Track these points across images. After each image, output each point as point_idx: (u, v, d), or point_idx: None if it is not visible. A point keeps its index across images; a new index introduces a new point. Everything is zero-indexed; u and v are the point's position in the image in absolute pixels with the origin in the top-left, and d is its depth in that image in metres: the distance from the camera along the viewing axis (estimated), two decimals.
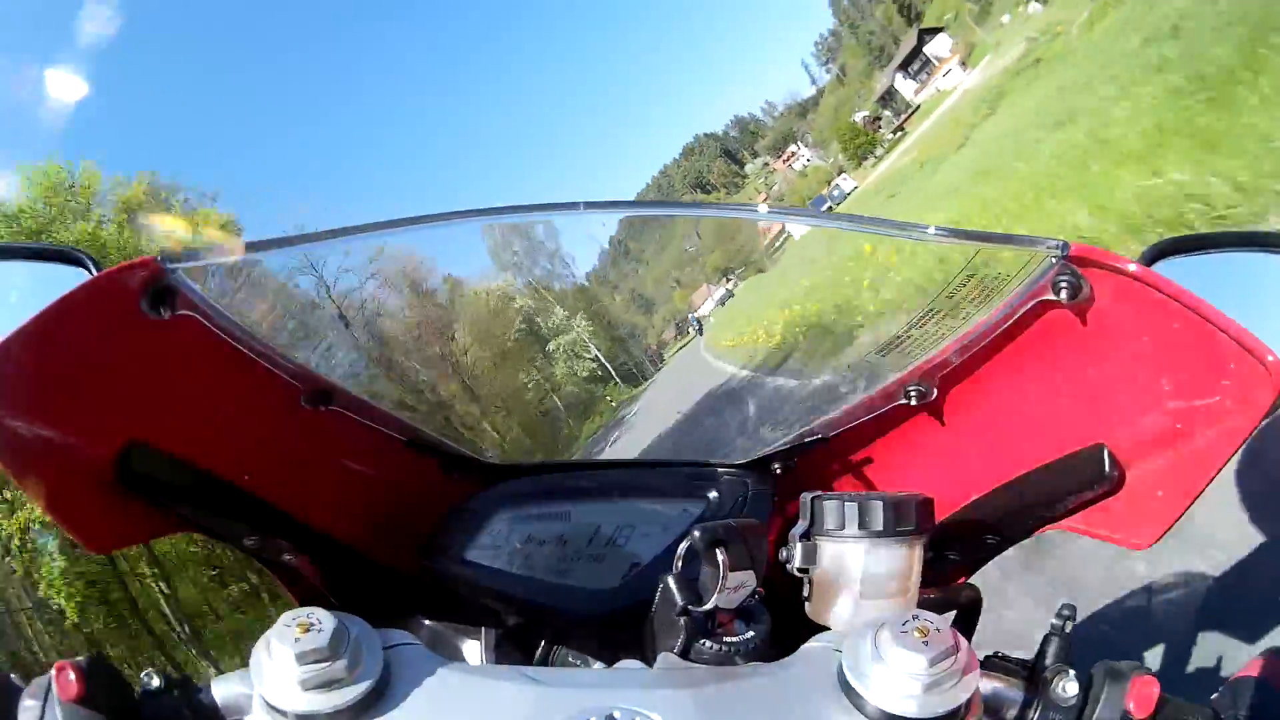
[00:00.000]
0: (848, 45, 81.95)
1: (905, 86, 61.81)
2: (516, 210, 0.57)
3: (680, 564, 0.62)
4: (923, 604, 0.61)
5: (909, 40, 63.63)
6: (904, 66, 61.99)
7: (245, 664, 0.49)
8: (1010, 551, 0.76)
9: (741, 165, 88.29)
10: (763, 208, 0.61)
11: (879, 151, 53.48)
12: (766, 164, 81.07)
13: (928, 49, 60.08)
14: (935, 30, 61.03)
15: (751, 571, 0.60)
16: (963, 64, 52.15)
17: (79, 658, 0.49)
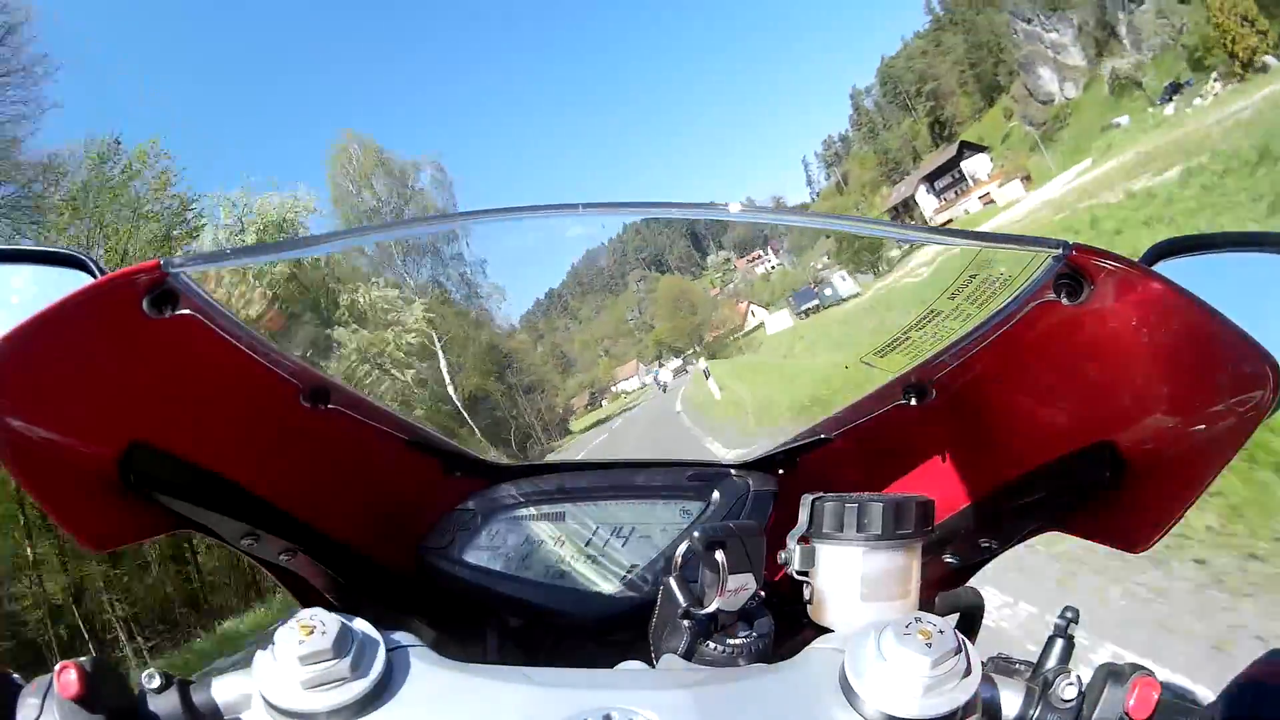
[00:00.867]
0: (857, 154, 77.75)
1: (927, 201, 57.87)
2: (514, 211, 0.57)
3: (680, 565, 0.62)
4: (924, 606, 0.61)
5: (944, 152, 59.09)
6: (930, 179, 57.97)
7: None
8: None
9: (704, 254, 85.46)
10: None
11: (883, 267, 48.13)
12: (728, 259, 78.77)
13: (965, 164, 55.82)
14: (979, 148, 56.48)
15: (750, 574, 0.60)
16: (1026, 179, 48.39)
17: (81, 658, 0.49)
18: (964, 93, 67.52)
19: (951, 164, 57.01)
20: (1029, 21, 56.45)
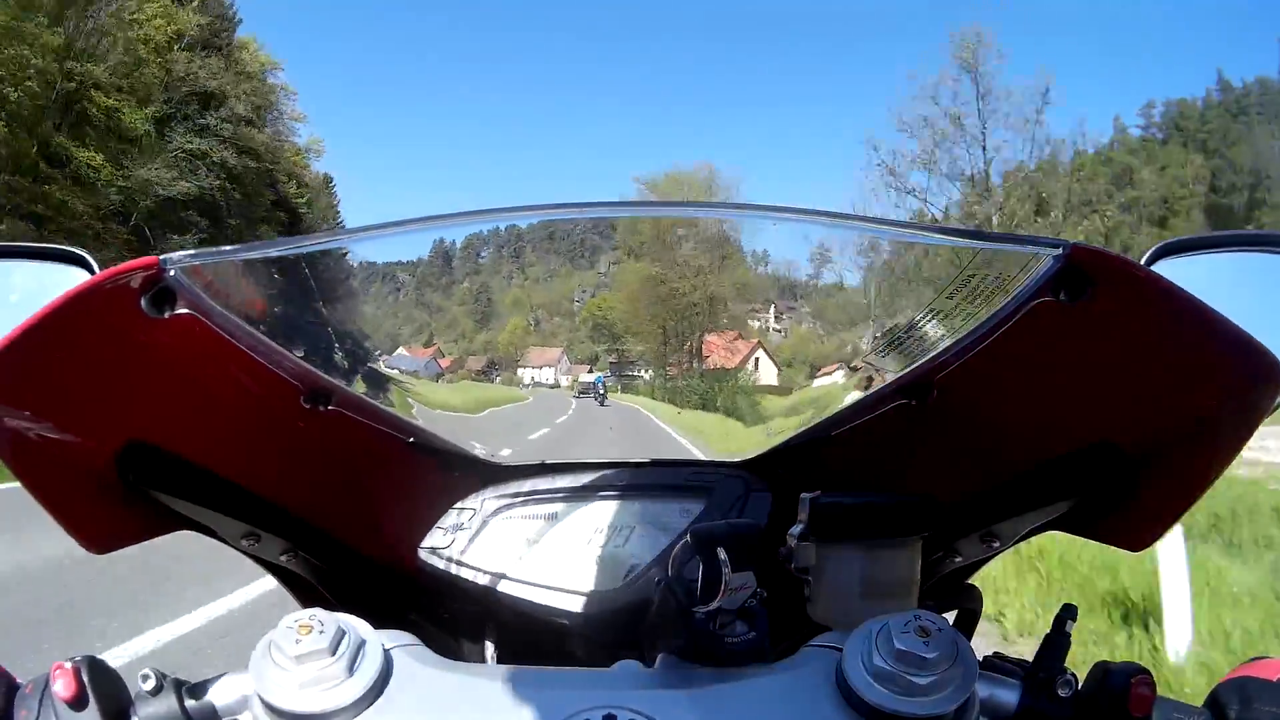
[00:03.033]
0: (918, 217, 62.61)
1: None
2: (515, 211, 0.57)
3: (679, 564, 0.62)
4: (923, 604, 0.61)
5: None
6: None
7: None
8: None
9: None
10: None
11: None
12: None
13: None
14: None
15: (751, 572, 0.60)
16: None
17: (76, 657, 0.49)
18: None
19: None
20: None
